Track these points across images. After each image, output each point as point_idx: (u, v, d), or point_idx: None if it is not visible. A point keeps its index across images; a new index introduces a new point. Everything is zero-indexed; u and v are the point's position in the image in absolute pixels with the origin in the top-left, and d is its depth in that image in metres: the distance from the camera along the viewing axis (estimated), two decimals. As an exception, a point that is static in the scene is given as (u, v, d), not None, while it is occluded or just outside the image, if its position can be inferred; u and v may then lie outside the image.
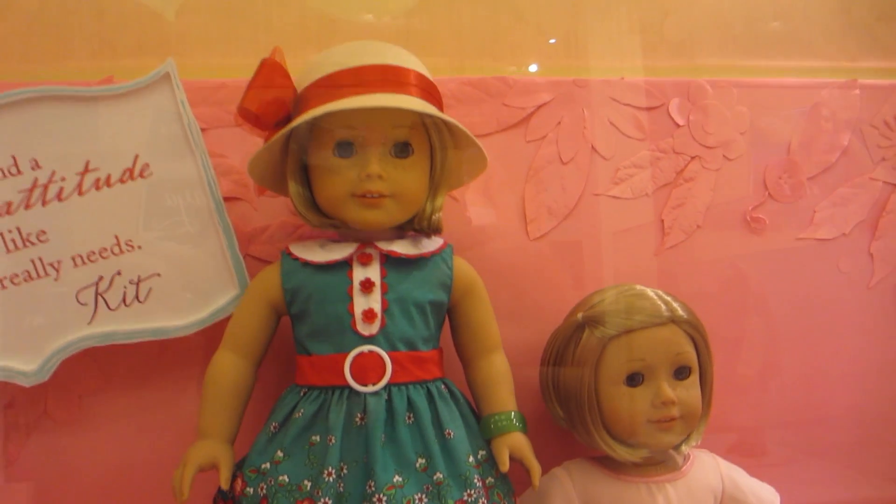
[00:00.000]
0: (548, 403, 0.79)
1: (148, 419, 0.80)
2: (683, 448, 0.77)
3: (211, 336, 0.76)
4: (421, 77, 0.70)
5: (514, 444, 0.70)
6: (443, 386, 0.72)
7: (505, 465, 0.69)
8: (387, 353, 0.69)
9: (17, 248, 0.72)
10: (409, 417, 0.68)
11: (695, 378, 0.76)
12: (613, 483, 0.76)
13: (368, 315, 0.69)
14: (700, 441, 0.78)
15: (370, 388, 0.68)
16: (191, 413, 0.74)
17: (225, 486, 0.67)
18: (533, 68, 0.92)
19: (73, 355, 0.75)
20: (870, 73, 1.00)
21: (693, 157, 0.93)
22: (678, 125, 0.93)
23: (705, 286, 0.91)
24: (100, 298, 0.73)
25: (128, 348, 0.78)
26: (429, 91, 0.70)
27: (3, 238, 0.72)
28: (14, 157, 0.72)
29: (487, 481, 0.70)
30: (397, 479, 0.65)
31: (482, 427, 0.72)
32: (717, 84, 0.94)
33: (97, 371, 0.80)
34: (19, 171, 0.72)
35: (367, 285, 0.70)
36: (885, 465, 0.94)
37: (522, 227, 0.88)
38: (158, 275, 0.75)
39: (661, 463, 0.77)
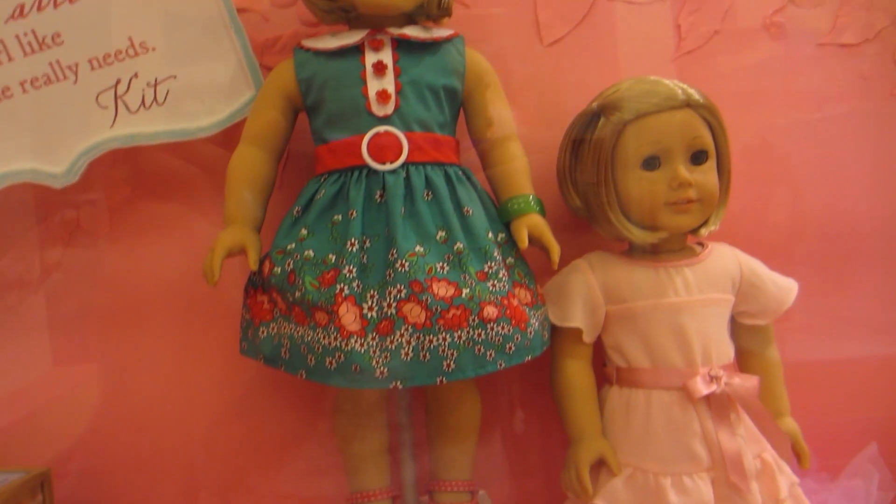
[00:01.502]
0: (565, 195, 0.79)
1: (175, 228, 0.81)
2: (703, 232, 0.77)
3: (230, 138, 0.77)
4: None
5: (533, 224, 0.71)
6: (460, 171, 0.72)
7: (524, 243, 0.70)
8: (402, 132, 0.69)
9: (33, 51, 0.72)
10: (428, 194, 0.69)
11: (712, 163, 0.76)
12: (632, 269, 0.76)
13: (382, 96, 0.69)
14: (718, 227, 0.78)
15: (388, 167, 0.68)
16: (215, 220, 0.75)
17: (254, 266, 0.68)
18: None
19: (100, 169, 0.76)
20: None
21: (711, -41, 0.90)
22: (695, -78, 0.89)
23: (723, 93, 0.89)
24: (120, 101, 0.74)
25: (151, 160, 0.79)
26: None
27: (19, 41, 0.72)
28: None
29: (507, 261, 0.70)
30: (419, 248, 0.66)
31: (501, 211, 0.73)
32: None
33: (123, 184, 0.81)
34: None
35: (379, 68, 0.69)
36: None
37: (536, 33, 0.86)
38: (174, 77, 0.75)
39: (678, 250, 0.78)
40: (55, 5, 0.72)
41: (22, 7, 0.71)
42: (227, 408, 0.79)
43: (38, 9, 0.72)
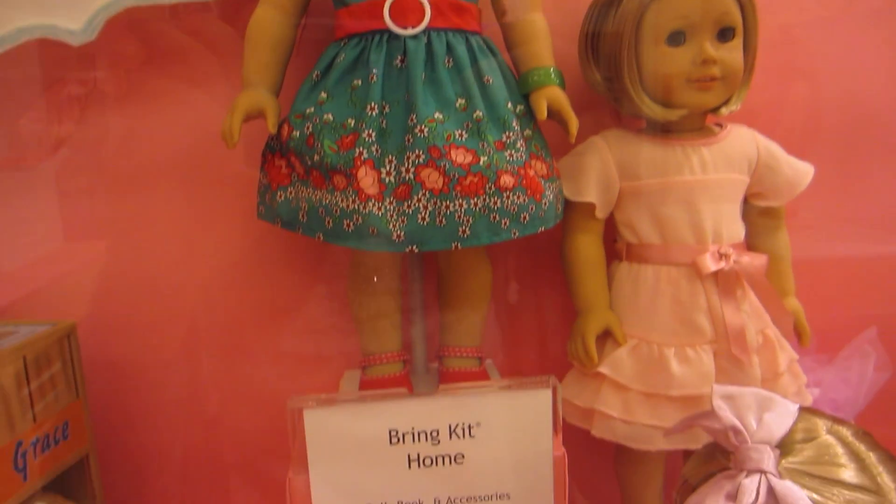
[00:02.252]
0: (585, 69, 0.77)
1: (191, 93, 0.80)
2: (723, 111, 0.75)
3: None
4: None
5: (552, 95, 0.70)
6: (482, 40, 0.70)
7: (543, 114, 0.69)
8: (425, -3, 0.66)
9: None
10: (449, 61, 0.67)
11: (738, 41, 0.73)
12: (649, 145, 0.75)
13: (406, -43, 0.66)
14: (739, 107, 0.76)
15: (409, 31, 0.66)
16: (233, 84, 0.74)
17: (272, 129, 0.68)
18: None
19: (109, 41, 0.74)
20: None
21: None
22: None
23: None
24: (135, -44, 0.71)
25: (160, 34, 0.77)
26: None
27: None
28: None
29: (525, 132, 0.70)
30: (438, 115, 0.65)
31: (521, 82, 0.72)
32: None
33: (141, 45, 0.79)
34: None
35: (403, -77, 0.66)
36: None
37: None
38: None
39: (697, 129, 0.76)
40: None
41: None
42: (234, 271, 0.81)
43: None
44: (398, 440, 0.67)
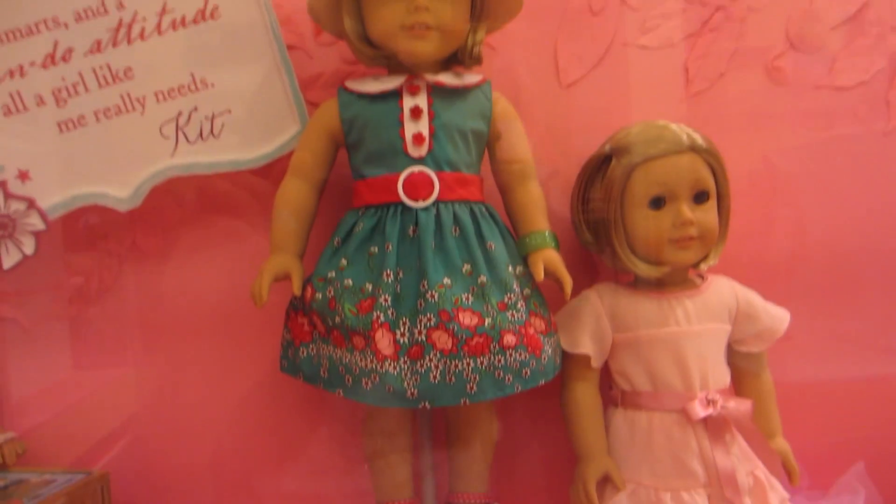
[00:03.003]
0: (577, 229, 0.85)
1: (221, 251, 0.87)
2: (702, 266, 0.83)
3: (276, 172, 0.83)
4: None
5: (548, 258, 0.77)
6: (484, 208, 0.78)
7: (540, 276, 0.76)
8: (434, 172, 0.74)
9: (107, 83, 0.78)
10: (456, 230, 0.75)
11: (712, 203, 0.81)
12: (637, 299, 0.82)
13: (418, 139, 0.75)
14: (717, 262, 0.84)
15: (421, 204, 0.74)
16: (260, 243, 0.82)
17: (297, 291, 0.74)
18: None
19: (153, 192, 0.82)
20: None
21: (718, 9, 0.95)
22: (704, -23, 0.94)
23: (728, 130, 0.95)
24: (180, 132, 0.80)
25: (199, 186, 0.85)
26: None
27: (95, 74, 0.78)
28: None
29: (524, 292, 0.77)
30: (446, 280, 0.72)
31: (519, 245, 0.79)
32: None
33: (177, 207, 0.87)
34: (106, 11, 0.77)
35: (416, 112, 0.75)
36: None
37: (555, 74, 0.92)
38: (230, 111, 0.81)
39: (680, 282, 0.83)
40: (128, 42, 0.78)
41: (99, 43, 0.78)
42: (258, 419, 0.86)
43: (114, 44, 0.78)
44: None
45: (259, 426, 0.86)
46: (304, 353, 0.76)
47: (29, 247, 0.78)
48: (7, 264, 0.77)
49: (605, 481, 0.79)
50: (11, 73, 0.77)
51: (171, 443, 0.85)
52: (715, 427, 0.78)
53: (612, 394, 0.84)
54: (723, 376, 0.81)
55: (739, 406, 0.79)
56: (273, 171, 0.84)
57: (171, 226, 0.86)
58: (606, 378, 0.84)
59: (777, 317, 0.84)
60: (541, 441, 0.89)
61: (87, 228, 0.85)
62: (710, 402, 0.78)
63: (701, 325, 0.81)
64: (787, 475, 0.83)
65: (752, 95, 0.97)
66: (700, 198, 0.81)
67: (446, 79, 0.77)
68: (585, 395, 0.82)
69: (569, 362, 0.81)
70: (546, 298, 0.79)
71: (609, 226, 0.81)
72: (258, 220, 0.86)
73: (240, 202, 0.86)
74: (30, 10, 0.77)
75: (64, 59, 0.78)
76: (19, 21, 0.77)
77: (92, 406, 0.86)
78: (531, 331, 0.74)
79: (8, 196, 0.76)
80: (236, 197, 0.88)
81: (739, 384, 0.85)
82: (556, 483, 0.86)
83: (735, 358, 0.85)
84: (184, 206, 0.87)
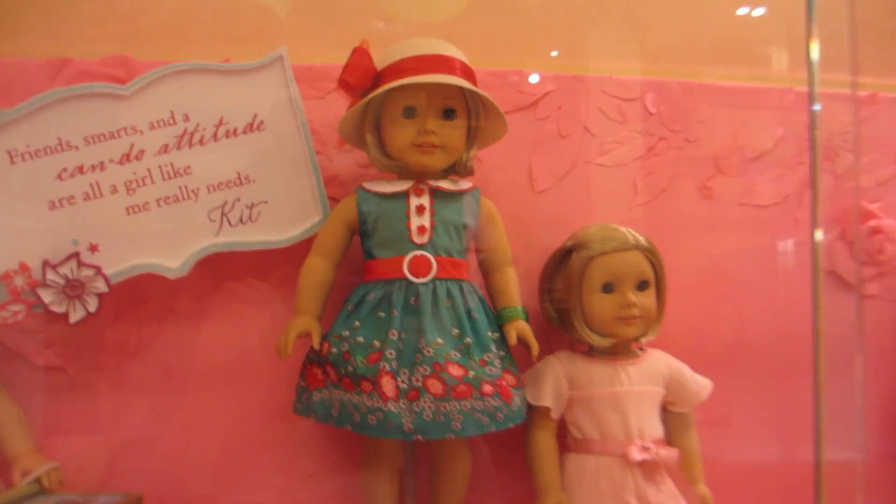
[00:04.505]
0: (543, 307, 1.11)
1: (252, 314, 1.12)
2: (643, 339, 1.09)
3: (295, 252, 1.08)
4: (463, 63, 1.03)
5: (520, 327, 1.02)
6: (469, 286, 1.04)
7: (513, 341, 1.01)
8: (433, 256, 1.01)
9: (170, 177, 1.04)
10: (448, 301, 1.00)
11: (652, 290, 1.09)
12: (590, 364, 1.08)
13: (421, 230, 1.01)
14: (655, 338, 1.10)
15: (421, 280, 1.00)
16: (284, 309, 1.07)
17: (316, 346, 0.98)
18: (534, 76, 1.25)
19: (200, 265, 1.07)
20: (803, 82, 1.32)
21: (661, 138, 1.26)
22: (651, 113, 1.26)
23: (666, 232, 1.23)
24: (224, 217, 1.05)
25: (233, 261, 1.10)
26: (468, 73, 1.03)
27: (161, 170, 1.04)
28: (172, 112, 1.04)
29: (500, 353, 1.02)
30: (440, 340, 0.97)
31: (497, 316, 1.04)
32: (683, 84, 1.27)
33: (210, 277, 1.12)
34: (175, 122, 1.04)
35: (420, 209, 1.02)
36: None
37: (529, 183, 1.21)
38: (266, 202, 1.07)
39: (625, 352, 1.10)
40: (189, 146, 1.04)
41: (167, 146, 1.04)
42: (272, 452, 1.08)
43: (178, 148, 1.04)
44: (401, 589, 0.92)
45: (272, 459, 1.08)
46: (318, 397, 0.99)
47: (93, 306, 1.00)
48: (73, 319, 1.00)
49: (560, 514, 1.02)
50: (93, 168, 1.02)
51: (195, 472, 1.06)
52: (648, 469, 1.02)
53: (567, 441, 1.08)
54: (657, 429, 1.06)
55: (669, 453, 1.04)
56: (295, 249, 1.09)
57: (204, 293, 1.10)
58: (562, 428, 1.08)
59: (702, 384, 1.10)
60: (506, 478, 1.11)
61: (132, 294, 1.08)
62: (645, 449, 1.02)
63: (640, 387, 1.07)
64: (709, 515, 1.07)
65: (688, 207, 1.27)
66: (642, 286, 1.08)
67: (445, 184, 1.04)
68: (545, 440, 1.05)
69: (532, 413, 1.05)
70: (515, 361, 1.05)
71: (569, 305, 1.08)
72: (278, 291, 1.11)
73: (264, 274, 1.11)
74: (114, 119, 1.04)
75: (137, 157, 1.04)
76: (104, 128, 1.03)
77: (127, 442, 1.07)
78: (504, 383, 0.99)
79: (80, 264, 1.00)
80: (260, 270, 1.13)
81: (671, 438, 1.09)
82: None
83: (668, 417, 1.10)
84: (216, 277, 1.11)
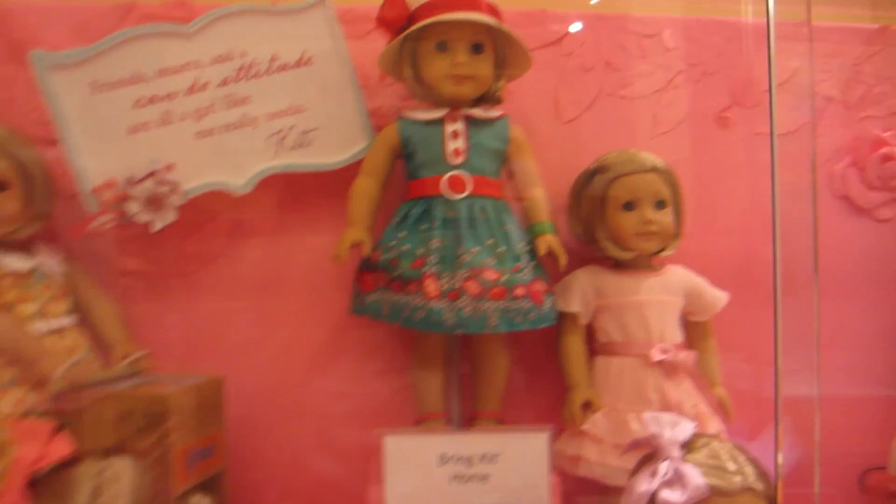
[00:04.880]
0: (571, 225, 1.24)
1: (308, 228, 1.25)
2: (662, 254, 1.21)
3: (345, 174, 1.21)
4: (489, 3, 1.15)
5: (549, 240, 1.15)
6: (502, 203, 1.17)
7: (542, 251, 1.13)
8: (468, 175, 1.14)
9: (232, 106, 1.17)
10: (483, 216, 1.12)
11: (669, 209, 1.20)
12: (614, 276, 1.20)
13: (456, 152, 1.14)
14: (673, 252, 1.22)
15: (458, 197, 1.12)
16: (337, 223, 1.20)
17: (367, 252, 1.12)
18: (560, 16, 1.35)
19: (262, 187, 1.20)
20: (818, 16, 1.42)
21: (679, 72, 1.37)
22: (669, 49, 1.37)
23: (684, 159, 1.35)
24: (281, 142, 1.19)
25: (291, 181, 1.23)
26: (495, 12, 1.15)
27: (224, 100, 1.17)
28: (230, 48, 1.17)
29: (531, 263, 1.14)
30: (476, 248, 1.10)
31: (527, 231, 1.17)
32: (699, 20, 1.37)
33: (271, 195, 1.25)
34: (233, 58, 1.17)
35: (455, 134, 1.15)
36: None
37: (556, 113, 1.33)
38: (317, 129, 1.20)
39: (646, 266, 1.22)
40: (247, 79, 1.18)
41: (227, 79, 1.17)
42: (330, 352, 1.23)
43: (236, 81, 1.18)
44: (445, 462, 1.06)
45: (330, 358, 1.23)
46: (370, 299, 1.13)
47: (170, 218, 1.14)
48: (154, 229, 1.14)
49: (587, 406, 1.16)
50: (164, 98, 1.16)
51: (268, 363, 1.21)
52: (668, 369, 1.15)
53: (594, 346, 1.20)
54: (676, 335, 1.18)
55: (688, 356, 1.16)
56: (342, 172, 1.23)
57: (266, 209, 1.24)
58: (590, 336, 1.20)
59: (718, 295, 1.22)
60: (540, 376, 1.25)
61: (203, 209, 1.22)
62: (665, 351, 1.15)
63: (660, 297, 1.19)
64: (724, 414, 1.19)
65: (705, 137, 1.38)
66: (660, 205, 1.19)
67: (477, 112, 1.16)
68: (574, 343, 1.18)
69: (562, 319, 1.18)
70: (545, 273, 1.17)
71: (594, 222, 1.20)
72: (331, 208, 1.24)
73: (319, 194, 1.25)
74: (180, 55, 1.17)
75: (202, 89, 1.17)
76: (172, 63, 1.17)
77: (203, 337, 1.22)
78: (535, 288, 1.11)
79: (159, 181, 1.15)
80: (316, 191, 1.26)
81: (691, 345, 1.21)
82: (551, 407, 1.22)
83: (688, 326, 1.22)
84: (277, 192, 1.24)
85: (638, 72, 1.35)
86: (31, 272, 1.10)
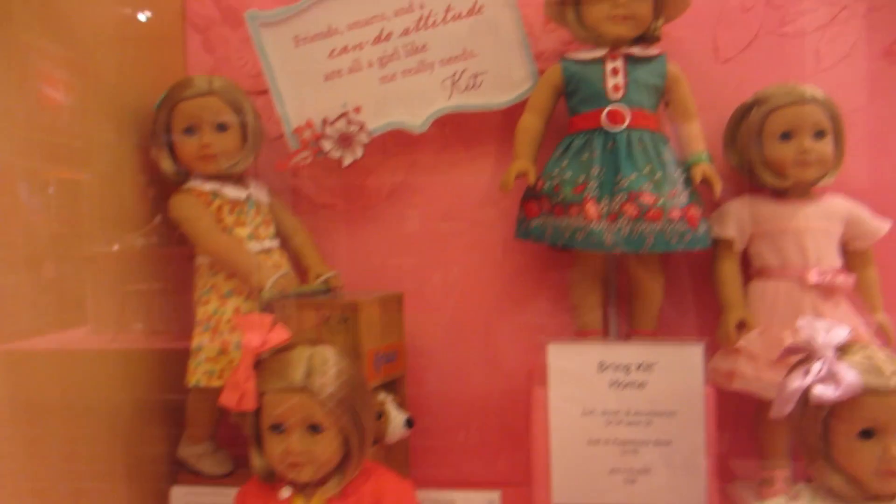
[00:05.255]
0: (728, 155, 1.30)
1: (478, 163, 1.40)
2: (821, 183, 1.25)
3: (511, 113, 1.34)
4: None
5: (705, 168, 1.22)
6: (659, 135, 1.25)
7: (697, 179, 1.20)
8: (627, 109, 1.23)
9: (412, 54, 1.33)
10: (640, 145, 1.22)
11: (829, 139, 1.23)
12: (772, 204, 1.25)
13: (616, 88, 1.23)
14: (832, 182, 1.26)
15: (617, 129, 1.23)
16: (504, 158, 1.33)
17: (532, 181, 1.24)
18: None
19: (435, 126, 1.35)
20: None
21: (844, 7, 1.38)
22: (835, -15, 1.39)
23: (849, 95, 1.36)
24: (454, 85, 1.33)
25: (463, 121, 1.38)
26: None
27: (406, 49, 1.33)
28: (410, 2, 1.33)
29: (687, 190, 1.22)
30: (634, 175, 1.20)
31: (683, 161, 1.25)
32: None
33: (443, 130, 1.40)
34: (412, 9, 1.33)
35: (614, 71, 1.24)
36: None
37: (714, 53, 1.39)
38: (487, 72, 1.33)
39: (803, 194, 1.26)
40: (425, 28, 1.33)
41: (407, 29, 1.33)
42: (494, 271, 1.37)
43: (416, 30, 1.33)
44: (604, 370, 1.17)
45: (495, 279, 1.37)
46: (534, 224, 1.25)
47: (359, 153, 1.32)
48: (345, 164, 1.32)
49: (741, 325, 1.23)
50: (354, 48, 1.34)
51: (438, 285, 1.37)
52: (825, 291, 1.19)
53: (749, 272, 1.27)
54: (834, 260, 1.21)
55: (846, 279, 1.20)
56: (509, 112, 1.36)
57: (440, 147, 1.40)
58: (744, 262, 1.26)
59: (879, 224, 1.25)
60: (694, 300, 1.33)
61: (383, 149, 1.39)
62: (822, 273, 1.20)
63: (818, 223, 1.23)
64: (885, 339, 1.22)
65: (872, 72, 1.39)
66: (819, 135, 1.23)
67: (636, 50, 1.25)
68: (729, 267, 1.25)
69: (718, 245, 1.24)
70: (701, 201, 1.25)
71: (751, 152, 1.26)
72: (497, 145, 1.38)
73: (487, 133, 1.39)
74: (368, 9, 1.34)
75: (385, 39, 1.34)
76: (361, 17, 1.34)
77: (385, 261, 1.40)
78: (691, 213, 1.20)
79: (349, 122, 1.33)
80: (483, 129, 1.40)
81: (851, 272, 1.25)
82: (704, 328, 1.29)
83: (847, 254, 1.25)
84: (449, 132, 1.39)
85: (800, 8, 1.38)
86: (246, 200, 1.31)
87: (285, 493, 0.99)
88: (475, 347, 1.37)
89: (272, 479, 1.01)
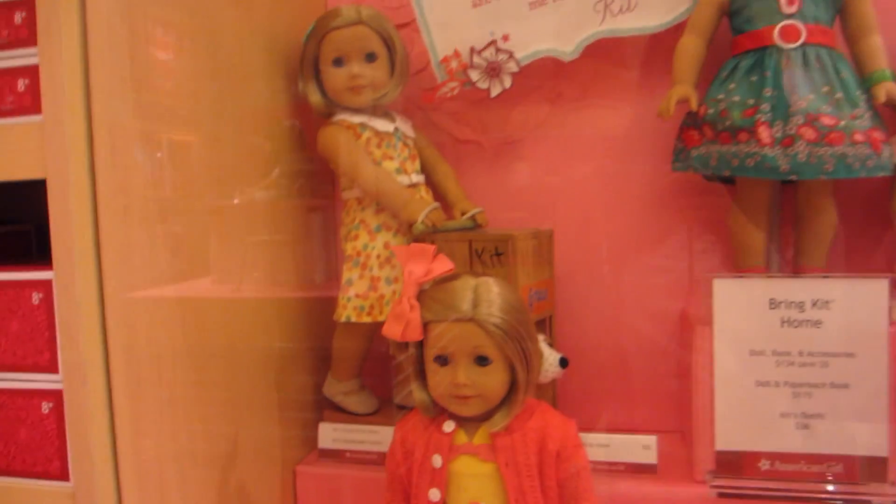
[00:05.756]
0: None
1: (628, 95, 1.35)
2: None
3: (667, 37, 1.28)
4: None
5: (889, 87, 1.13)
6: (836, 52, 1.16)
7: (881, 99, 1.12)
8: (802, 24, 1.15)
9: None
10: (818, 64, 1.14)
11: None
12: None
13: (790, 1, 1.15)
14: None
15: (791, 45, 1.15)
16: (658, 85, 1.27)
17: (694, 107, 1.18)
18: None
19: (582, 55, 1.30)
20: None
21: None
22: None
23: None
24: (607, 9, 1.28)
25: (612, 48, 1.33)
26: None
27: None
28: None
29: (869, 111, 1.13)
30: (811, 96, 1.12)
31: (865, 79, 1.16)
32: None
33: (590, 65, 1.35)
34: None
35: (791, -18, 1.16)
36: None
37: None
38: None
39: None
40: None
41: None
42: (644, 209, 1.33)
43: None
44: (775, 307, 1.12)
45: (646, 214, 1.33)
46: (695, 153, 1.20)
47: (507, 83, 1.30)
48: (493, 94, 1.30)
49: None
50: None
51: (585, 221, 1.35)
52: None
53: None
54: None
55: None
56: (666, 34, 1.29)
57: (586, 79, 1.35)
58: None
59: None
60: (871, 233, 1.25)
61: (527, 82, 1.36)
62: None
63: None
64: None
65: None
66: None
67: (810, -41, 1.17)
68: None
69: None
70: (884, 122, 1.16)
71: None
72: (653, 70, 1.32)
73: (640, 56, 1.33)
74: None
75: (533, -30, 1.29)
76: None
77: (530, 197, 1.38)
78: (874, 136, 1.12)
79: (497, 50, 1.30)
80: (631, 58, 1.35)
81: None
82: (881, 266, 1.21)
83: None
84: (596, 64, 1.35)
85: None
86: (393, 133, 1.31)
87: (448, 426, 0.99)
88: (624, 287, 1.34)
89: (433, 413, 1.02)
